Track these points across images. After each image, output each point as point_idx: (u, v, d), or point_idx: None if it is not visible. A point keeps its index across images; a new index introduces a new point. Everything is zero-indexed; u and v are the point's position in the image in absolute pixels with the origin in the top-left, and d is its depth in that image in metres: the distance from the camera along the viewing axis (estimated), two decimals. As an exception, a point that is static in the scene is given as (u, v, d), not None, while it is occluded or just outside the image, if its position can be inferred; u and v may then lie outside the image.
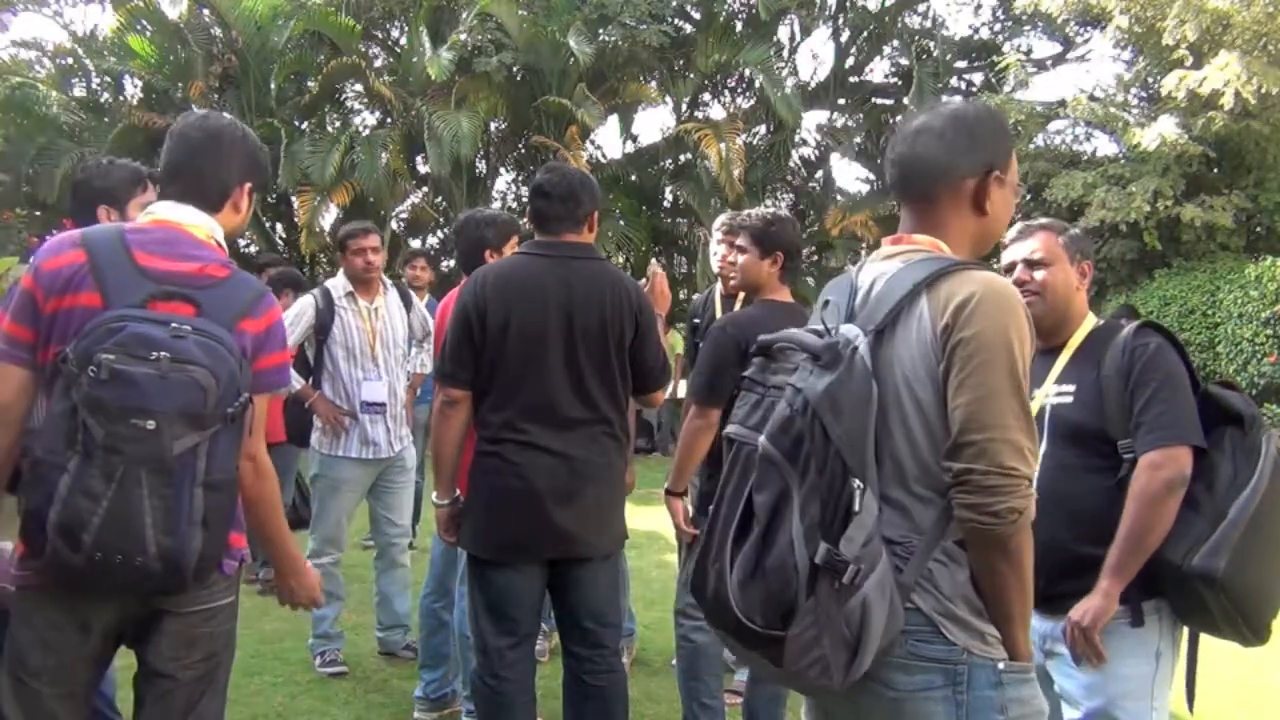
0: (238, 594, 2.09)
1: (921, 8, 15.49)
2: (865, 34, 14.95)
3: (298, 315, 4.20)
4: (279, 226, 13.66)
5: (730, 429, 1.63)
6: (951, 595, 1.55)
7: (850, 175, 32.17)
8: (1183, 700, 2.26)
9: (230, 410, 1.79)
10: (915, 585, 1.53)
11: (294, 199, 12.26)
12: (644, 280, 3.32)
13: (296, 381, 4.24)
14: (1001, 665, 1.55)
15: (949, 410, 1.53)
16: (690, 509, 3.23)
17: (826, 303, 1.75)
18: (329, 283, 4.32)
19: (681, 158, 14.18)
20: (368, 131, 12.87)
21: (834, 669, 1.45)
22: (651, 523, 6.28)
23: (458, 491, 2.90)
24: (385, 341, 4.24)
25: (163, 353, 1.74)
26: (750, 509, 1.52)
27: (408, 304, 4.45)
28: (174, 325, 1.78)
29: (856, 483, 1.46)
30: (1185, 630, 2.22)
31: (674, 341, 8.99)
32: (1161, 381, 2.13)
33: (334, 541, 4.23)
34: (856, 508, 1.46)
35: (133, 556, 1.73)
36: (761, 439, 1.51)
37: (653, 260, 3.17)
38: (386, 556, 4.35)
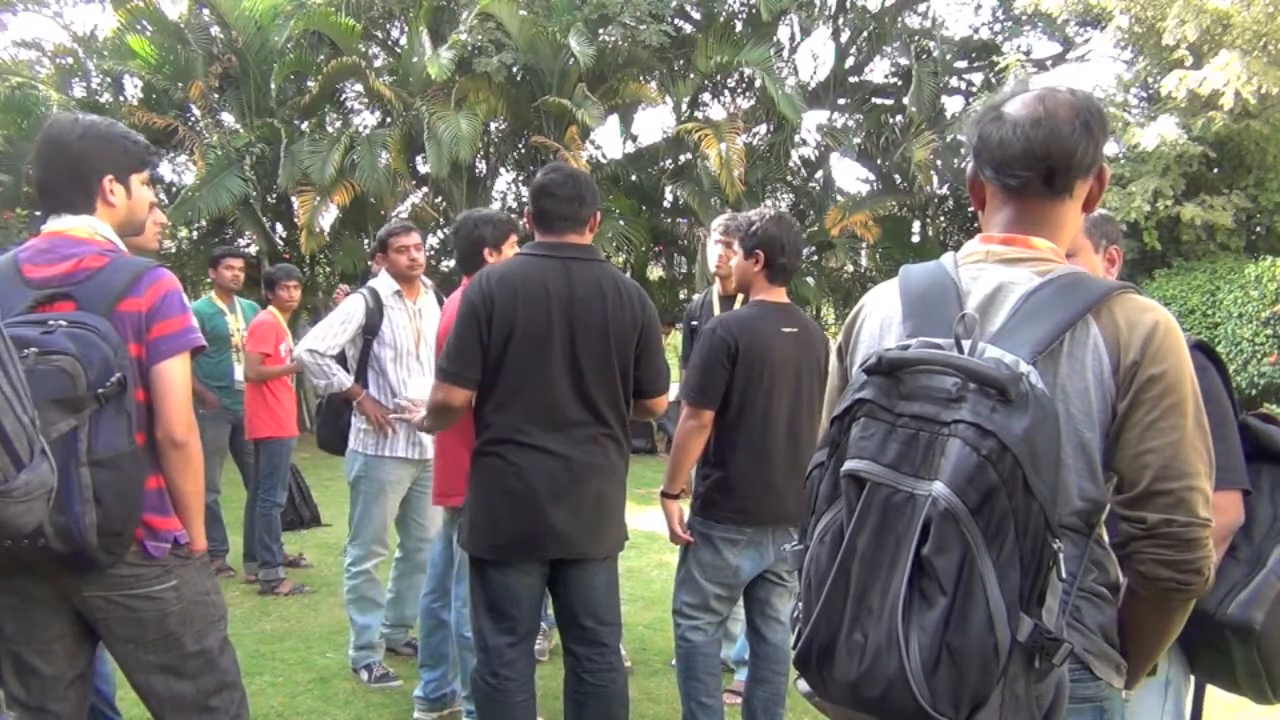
0: (197, 576, 2.17)
1: (921, 8, 15.52)
2: (865, 34, 14.94)
3: (349, 316, 4.13)
4: (279, 226, 13.65)
5: (859, 466, 1.32)
6: (1098, 631, 1.46)
7: (850, 175, 32.24)
8: None
9: (102, 391, 1.90)
10: (1067, 624, 1.38)
11: (294, 199, 12.26)
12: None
13: (347, 380, 4.14)
14: (1125, 695, 1.49)
15: (1128, 453, 1.39)
16: (685, 512, 3.22)
17: (898, 306, 1.53)
18: (374, 283, 4.25)
19: (681, 158, 14.17)
20: (368, 131, 12.83)
21: None
22: (651, 523, 6.28)
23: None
24: (428, 341, 4.18)
25: (32, 349, 1.85)
26: (915, 573, 1.26)
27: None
28: (50, 322, 1.92)
29: (1057, 544, 1.26)
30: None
31: (674, 341, 9.00)
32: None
33: (379, 544, 4.18)
34: (1063, 574, 1.27)
35: (35, 538, 1.85)
36: (942, 490, 1.24)
37: None
38: (411, 560, 4.26)
